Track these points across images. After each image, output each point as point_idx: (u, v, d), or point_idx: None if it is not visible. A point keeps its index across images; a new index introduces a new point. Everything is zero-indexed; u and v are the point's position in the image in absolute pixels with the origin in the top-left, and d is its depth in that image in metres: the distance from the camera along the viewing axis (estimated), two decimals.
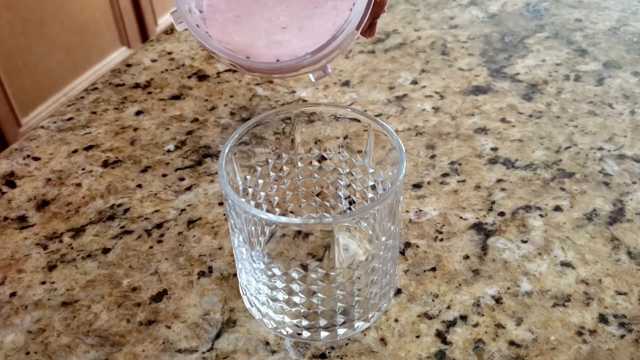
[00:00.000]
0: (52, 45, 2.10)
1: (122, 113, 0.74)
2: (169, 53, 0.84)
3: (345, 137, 0.54)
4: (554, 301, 0.53)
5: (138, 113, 0.74)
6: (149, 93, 0.77)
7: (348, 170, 0.55)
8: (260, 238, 0.51)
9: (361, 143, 0.54)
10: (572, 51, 0.82)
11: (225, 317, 0.53)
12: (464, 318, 0.52)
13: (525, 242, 0.58)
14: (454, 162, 0.66)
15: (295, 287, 0.47)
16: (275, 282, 0.47)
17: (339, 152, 0.54)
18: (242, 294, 0.54)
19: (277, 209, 0.55)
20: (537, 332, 0.51)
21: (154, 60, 0.83)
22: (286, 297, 0.48)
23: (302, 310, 0.48)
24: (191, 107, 0.75)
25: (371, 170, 0.53)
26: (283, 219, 0.43)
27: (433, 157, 0.67)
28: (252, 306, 0.52)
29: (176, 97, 0.76)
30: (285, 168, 0.54)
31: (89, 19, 2.26)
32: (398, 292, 0.54)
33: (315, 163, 0.55)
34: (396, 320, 0.52)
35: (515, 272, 0.56)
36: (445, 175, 0.65)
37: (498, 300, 0.54)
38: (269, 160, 0.54)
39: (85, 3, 2.23)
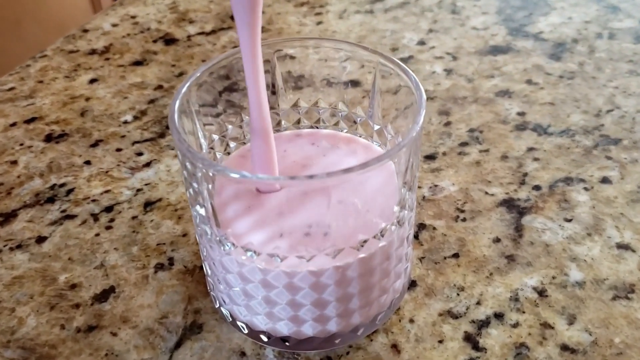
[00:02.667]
0: (29, 46, 1.98)
1: (74, 82, 0.62)
2: (133, 17, 0.72)
3: (343, 83, 0.42)
4: (614, 293, 0.41)
5: (92, 81, 0.62)
6: (107, 59, 0.65)
7: (346, 130, 0.42)
8: None
9: (363, 90, 0.42)
10: (602, 8, 0.71)
11: (188, 320, 0.41)
12: (499, 316, 0.40)
13: (569, 220, 0.46)
14: (473, 129, 0.54)
15: (274, 276, 0.34)
16: (250, 272, 0.35)
17: (335, 106, 0.42)
18: (209, 290, 0.41)
19: None
20: (597, 333, 0.39)
21: (114, 25, 0.70)
22: (265, 292, 0.35)
23: (287, 310, 0.36)
24: (155, 74, 0.62)
25: (376, 127, 0.41)
26: (261, 176, 0.31)
27: (448, 124, 0.55)
28: (222, 306, 0.39)
29: (138, 63, 0.64)
30: None
31: (67, 18, 2.14)
32: (412, 284, 0.42)
33: (304, 121, 0.43)
34: (411, 321, 0.40)
35: (560, 257, 0.44)
36: (463, 144, 0.53)
37: (542, 292, 0.41)
38: (244, 116, 0.42)
39: (64, 1, 2.11)
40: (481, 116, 0.56)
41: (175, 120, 0.34)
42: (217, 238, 0.35)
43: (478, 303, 0.41)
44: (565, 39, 0.65)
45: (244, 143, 0.42)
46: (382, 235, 0.35)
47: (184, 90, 0.36)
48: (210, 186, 0.33)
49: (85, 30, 0.70)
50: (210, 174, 0.32)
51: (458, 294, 0.42)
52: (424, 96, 0.35)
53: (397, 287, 0.39)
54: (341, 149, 0.40)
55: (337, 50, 0.41)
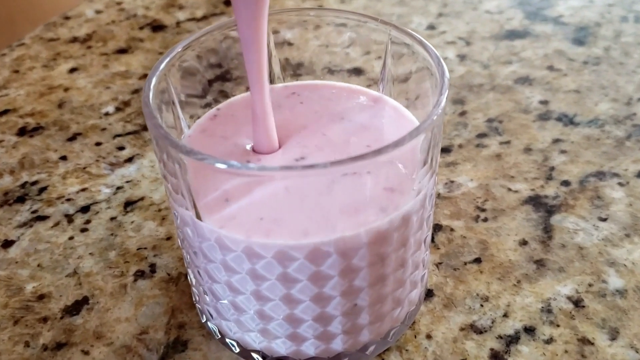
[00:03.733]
0: None
1: (52, 71, 0.57)
2: (119, 3, 0.66)
3: (347, 71, 0.36)
4: None
5: (72, 70, 0.56)
6: (89, 47, 0.59)
7: None
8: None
9: (368, 78, 0.36)
10: None
11: (171, 336, 0.35)
12: (530, 331, 0.35)
13: (604, 219, 0.41)
14: (492, 119, 0.49)
15: (269, 287, 0.29)
16: (241, 281, 0.29)
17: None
18: (194, 302, 0.36)
19: None
20: None
21: (98, 12, 0.65)
22: (258, 305, 0.30)
23: (285, 326, 0.30)
24: (140, 62, 0.57)
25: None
26: (251, 166, 0.26)
27: (463, 113, 0.49)
28: (209, 320, 0.34)
29: (122, 51, 0.59)
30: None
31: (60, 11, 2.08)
32: (429, 294, 0.37)
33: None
34: (429, 337, 0.35)
35: (596, 261, 0.38)
36: (482, 135, 0.47)
37: (578, 302, 0.36)
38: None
39: (59, 0, 2.06)
40: (500, 105, 0.50)
41: (150, 101, 0.28)
42: (199, 241, 0.29)
43: (505, 315, 0.36)
44: (588, 23, 0.60)
45: None
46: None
47: (162, 66, 0.30)
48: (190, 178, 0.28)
49: (67, 18, 0.64)
50: (187, 164, 0.27)
51: (482, 305, 0.36)
52: (447, 73, 0.29)
53: (413, 298, 0.34)
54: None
55: (340, 32, 0.36)
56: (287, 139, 0.32)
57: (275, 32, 0.37)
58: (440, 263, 0.39)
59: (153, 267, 0.39)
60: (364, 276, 0.29)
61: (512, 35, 0.59)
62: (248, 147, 0.31)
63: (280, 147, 0.31)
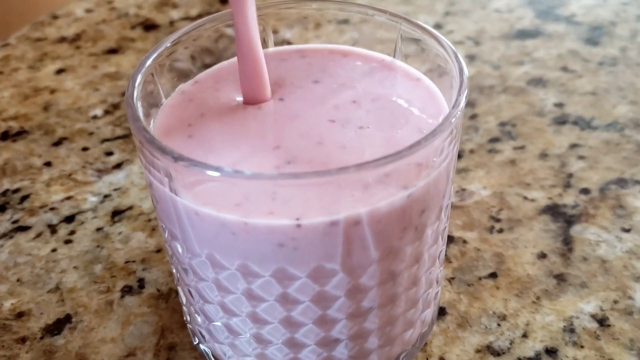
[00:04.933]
0: None
1: (38, 72, 0.54)
2: (109, 2, 0.63)
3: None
4: None
5: (59, 72, 0.53)
6: (77, 48, 0.56)
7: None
8: None
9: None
10: None
11: (161, 358, 0.32)
12: (552, 352, 0.32)
13: (627, 230, 0.38)
14: (504, 122, 0.46)
15: (267, 309, 0.26)
16: (235, 301, 0.26)
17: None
18: (185, 321, 0.33)
19: None
20: None
21: (88, 11, 0.62)
22: (255, 328, 0.27)
23: (285, 351, 0.27)
24: (131, 62, 0.54)
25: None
26: (246, 173, 0.23)
27: (474, 117, 0.47)
28: (201, 343, 0.31)
29: (112, 51, 0.56)
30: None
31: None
32: (441, 312, 0.34)
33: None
34: None
35: (621, 276, 0.35)
36: (494, 140, 0.44)
37: (602, 321, 0.33)
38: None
39: (54, 3, 2.03)
40: (512, 108, 0.47)
41: (134, 101, 0.25)
42: (189, 257, 0.26)
43: (524, 335, 0.33)
44: (602, 22, 0.57)
45: None
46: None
47: (148, 63, 0.28)
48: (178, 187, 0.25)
49: (56, 17, 0.62)
50: (174, 171, 0.24)
51: (499, 325, 0.33)
52: (466, 70, 0.27)
53: (426, 319, 0.31)
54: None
55: (342, 31, 0.33)
56: (281, 89, 0.29)
57: (275, 31, 0.34)
58: (453, 278, 0.36)
59: (142, 282, 0.36)
60: (373, 296, 0.26)
61: (523, 34, 0.56)
62: (238, 99, 0.28)
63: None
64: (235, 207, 0.23)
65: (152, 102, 0.29)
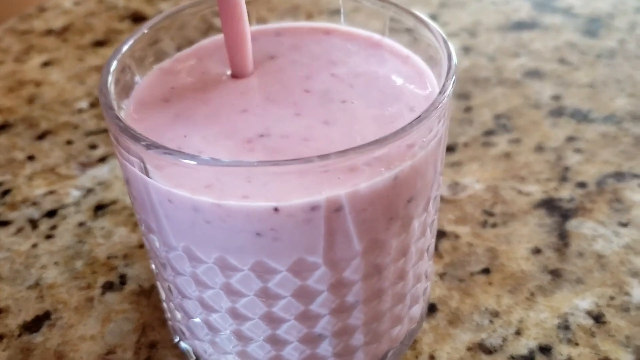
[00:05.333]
0: None
1: (24, 65, 0.53)
2: None
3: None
4: None
5: (45, 64, 0.52)
6: (65, 40, 0.55)
7: None
8: None
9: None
10: None
11: (141, 356, 0.31)
12: (546, 350, 0.31)
13: (625, 225, 0.37)
14: (499, 115, 0.45)
15: (247, 304, 0.25)
16: (214, 297, 0.25)
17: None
18: (166, 318, 0.32)
19: None
20: None
21: (77, 3, 0.61)
22: (235, 324, 0.26)
23: (267, 348, 0.26)
24: None
25: None
26: (226, 162, 0.21)
27: (469, 109, 0.45)
28: (182, 340, 0.30)
29: (100, 44, 0.55)
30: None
31: None
32: (431, 309, 0.33)
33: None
34: (432, 358, 0.30)
35: (618, 271, 0.34)
36: (489, 133, 0.43)
37: (598, 317, 0.32)
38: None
39: None
40: (508, 100, 0.46)
41: (108, 84, 0.24)
42: (165, 250, 0.25)
43: (517, 333, 0.32)
44: (600, 14, 0.56)
45: None
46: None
47: (124, 49, 0.26)
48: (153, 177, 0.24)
49: (43, 9, 0.60)
50: (150, 162, 0.23)
51: (491, 321, 0.32)
52: (454, 57, 0.25)
53: (414, 315, 0.29)
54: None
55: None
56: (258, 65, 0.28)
57: (264, 22, 0.33)
58: (444, 274, 0.34)
59: (123, 278, 0.35)
60: (358, 291, 0.25)
61: (520, 26, 0.55)
62: (228, 72, 0.28)
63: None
64: (207, 189, 0.22)
65: (129, 87, 0.28)
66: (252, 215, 0.22)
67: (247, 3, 0.29)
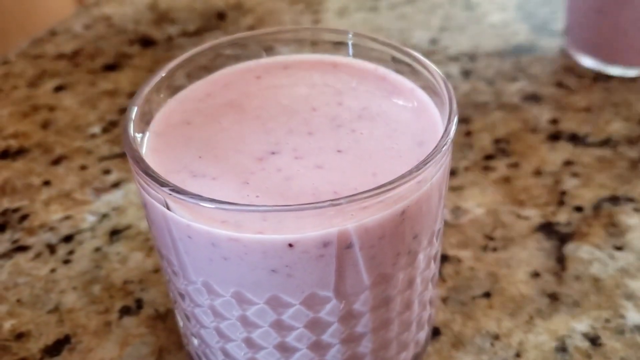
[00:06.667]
0: None
1: (37, 90, 0.54)
2: (107, 18, 0.64)
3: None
4: None
5: (58, 89, 0.54)
6: (76, 65, 0.57)
7: None
8: None
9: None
10: None
11: None
12: None
13: (620, 248, 0.38)
14: (499, 139, 0.46)
15: (262, 335, 0.26)
16: (230, 327, 0.27)
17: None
18: (184, 344, 0.33)
19: None
20: None
21: (87, 27, 0.62)
22: (250, 353, 0.27)
23: None
24: (129, 79, 0.55)
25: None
26: (243, 207, 0.23)
27: (469, 134, 0.47)
28: None
29: (110, 68, 0.56)
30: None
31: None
32: (435, 332, 0.34)
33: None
34: None
35: (613, 294, 0.36)
36: (489, 157, 0.45)
37: (594, 340, 0.34)
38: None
39: (53, 10, 2.03)
40: (507, 124, 0.48)
41: (130, 132, 0.26)
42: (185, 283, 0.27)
43: (517, 355, 0.33)
44: None
45: None
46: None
47: (146, 91, 0.28)
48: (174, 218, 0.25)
49: (54, 33, 0.62)
50: (172, 202, 0.24)
51: (492, 344, 0.34)
52: (454, 99, 0.27)
53: (419, 340, 0.31)
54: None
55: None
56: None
57: (270, 49, 0.34)
58: (447, 297, 0.36)
59: (140, 303, 0.37)
60: (367, 321, 0.27)
61: (518, 50, 0.56)
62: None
63: None
64: (223, 224, 0.24)
65: (147, 119, 0.29)
66: (267, 252, 0.24)
67: (255, 37, 0.31)
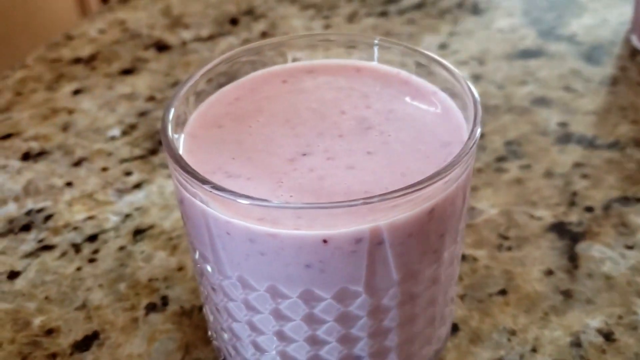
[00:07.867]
0: (19, 59, 1.90)
1: (56, 93, 0.55)
2: (122, 22, 0.65)
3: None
4: None
5: (76, 92, 0.55)
6: (93, 69, 0.58)
7: None
8: None
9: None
10: None
11: None
12: None
13: (631, 247, 0.40)
14: (510, 141, 0.48)
15: (294, 328, 0.28)
16: (263, 320, 0.28)
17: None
18: (211, 338, 0.34)
19: None
20: None
21: (102, 31, 0.64)
22: (281, 346, 0.28)
23: None
24: (146, 83, 0.56)
25: None
26: (276, 203, 0.24)
27: (481, 136, 0.48)
28: (227, 359, 0.32)
29: (127, 72, 0.57)
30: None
31: (59, 30, 2.07)
32: (454, 328, 0.35)
33: None
34: None
35: (625, 292, 0.37)
36: (501, 159, 0.46)
37: (608, 335, 0.35)
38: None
39: (56, 14, 2.04)
40: (517, 127, 0.49)
41: (169, 133, 0.27)
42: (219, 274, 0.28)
43: (534, 350, 0.34)
44: (603, 42, 0.59)
45: None
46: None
47: (182, 92, 0.29)
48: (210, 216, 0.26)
49: (70, 37, 0.63)
50: (212, 200, 0.25)
51: (509, 340, 0.35)
52: (479, 105, 0.28)
53: (441, 335, 0.32)
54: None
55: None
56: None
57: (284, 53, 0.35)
58: (464, 295, 0.37)
59: (165, 300, 0.38)
60: (394, 316, 0.28)
61: (527, 54, 0.57)
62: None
63: None
64: (260, 222, 0.25)
65: (182, 122, 0.30)
66: (303, 247, 0.25)
67: (280, 42, 0.32)
